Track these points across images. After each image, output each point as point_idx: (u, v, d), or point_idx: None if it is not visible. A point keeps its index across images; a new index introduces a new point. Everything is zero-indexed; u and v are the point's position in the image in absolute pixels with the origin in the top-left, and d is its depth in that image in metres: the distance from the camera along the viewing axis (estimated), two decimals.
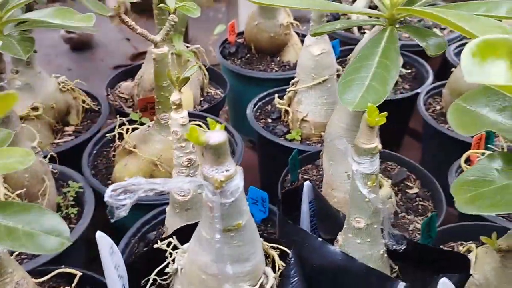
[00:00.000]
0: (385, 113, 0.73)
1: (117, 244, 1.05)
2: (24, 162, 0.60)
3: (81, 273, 0.92)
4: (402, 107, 1.70)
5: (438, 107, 1.60)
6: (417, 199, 1.24)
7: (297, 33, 1.92)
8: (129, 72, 1.76)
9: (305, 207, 0.86)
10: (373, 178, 0.74)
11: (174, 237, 0.75)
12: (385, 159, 1.34)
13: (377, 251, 0.80)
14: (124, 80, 1.74)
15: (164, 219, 1.02)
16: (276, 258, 0.73)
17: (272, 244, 0.75)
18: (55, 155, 1.24)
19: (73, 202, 1.19)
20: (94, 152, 1.37)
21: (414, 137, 1.87)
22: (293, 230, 0.79)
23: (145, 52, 1.77)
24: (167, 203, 0.97)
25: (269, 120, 1.55)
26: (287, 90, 1.49)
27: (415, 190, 1.27)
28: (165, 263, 0.73)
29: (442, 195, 1.21)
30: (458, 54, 1.85)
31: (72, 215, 1.16)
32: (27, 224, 0.60)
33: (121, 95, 1.66)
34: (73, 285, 0.92)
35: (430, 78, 1.72)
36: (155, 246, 0.74)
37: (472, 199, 0.70)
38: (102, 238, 0.69)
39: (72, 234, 1.11)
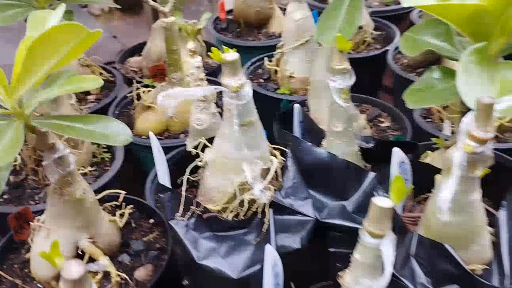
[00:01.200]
0: (351, 42, 0.99)
1: (147, 177, 1.31)
2: (95, 84, 0.85)
3: (125, 192, 1.18)
4: (375, 64, 1.96)
5: (405, 61, 1.87)
6: (388, 130, 1.51)
7: (280, 8, 2.18)
8: (133, 50, 2.00)
9: (296, 124, 1.12)
10: (345, 92, 1.00)
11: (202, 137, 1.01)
12: (361, 102, 1.61)
13: (352, 149, 1.06)
14: (131, 56, 1.99)
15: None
16: (278, 153, 0.99)
17: (274, 146, 1.01)
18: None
19: (106, 149, 1.44)
20: (117, 112, 1.62)
21: (387, 92, 2.13)
22: (288, 137, 1.05)
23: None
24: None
25: (261, 80, 1.80)
26: (275, 52, 1.75)
27: (387, 124, 1.53)
28: (197, 160, 0.98)
29: (409, 127, 1.47)
30: (421, 17, 2.12)
31: (106, 159, 1.42)
32: (102, 128, 0.85)
33: (131, 68, 1.90)
34: (120, 200, 1.17)
35: (397, 37, 1.98)
36: (188, 149, 1.00)
37: (418, 99, 0.97)
38: (153, 138, 0.95)
39: (108, 173, 1.37)
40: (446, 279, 0.84)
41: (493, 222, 0.89)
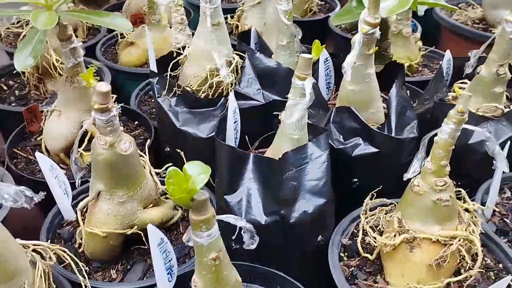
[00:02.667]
0: None
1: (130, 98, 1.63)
2: (126, 28, 1.16)
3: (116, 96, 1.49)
4: (319, 28, 2.35)
5: (343, 25, 2.27)
6: None
7: None
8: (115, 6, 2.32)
9: (252, 42, 1.47)
10: (288, 13, 1.36)
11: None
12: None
13: (294, 59, 1.42)
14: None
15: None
16: (237, 57, 1.34)
17: (235, 52, 1.36)
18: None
19: (95, 74, 1.75)
20: (102, 49, 1.92)
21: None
22: (246, 48, 1.40)
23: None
24: None
25: None
26: (237, 10, 2.10)
27: None
28: (179, 57, 1.32)
29: None
30: None
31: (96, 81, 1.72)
32: (110, 20, 1.17)
33: None
34: None
35: (338, 7, 2.38)
36: (171, 49, 1.34)
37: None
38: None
39: None
40: (352, 133, 1.21)
41: (386, 102, 1.27)
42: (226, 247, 0.83)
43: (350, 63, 1.11)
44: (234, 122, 1.15)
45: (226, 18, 2.18)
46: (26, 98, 1.66)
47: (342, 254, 1.09)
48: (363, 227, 1.07)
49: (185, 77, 1.31)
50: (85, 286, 0.95)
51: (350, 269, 1.06)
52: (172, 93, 1.27)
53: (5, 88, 1.71)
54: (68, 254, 0.95)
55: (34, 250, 0.94)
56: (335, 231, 1.12)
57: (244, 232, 0.84)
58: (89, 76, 0.97)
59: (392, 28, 1.74)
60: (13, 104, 1.62)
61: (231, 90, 1.26)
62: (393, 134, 1.20)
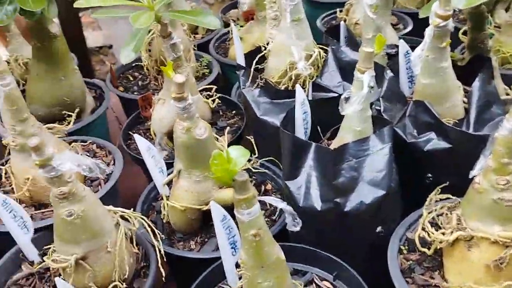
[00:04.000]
0: None
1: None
2: (215, 25, 1.30)
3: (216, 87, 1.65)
4: None
5: None
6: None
7: None
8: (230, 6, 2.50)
9: (342, 36, 1.50)
10: (374, 7, 1.37)
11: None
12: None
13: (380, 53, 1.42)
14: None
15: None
16: (318, 51, 1.39)
17: (319, 45, 1.41)
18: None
19: (206, 67, 1.93)
20: (216, 44, 2.11)
21: None
22: (331, 42, 1.44)
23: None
24: None
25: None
26: (345, 4, 2.12)
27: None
28: (263, 53, 1.42)
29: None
30: None
31: (206, 73, 1.91)
32: (202, 18, 1.31)
33: (231, 17, 2.39)
34: (212, 91, 1.64)
35: None
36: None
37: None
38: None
39: (206, 81, 1.85)
40: (426, 128, 1.18)
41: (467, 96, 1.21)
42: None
43: (418, 56, 1.09)
44: (304, 113, 1.21)
45: (335, 12, 2.23)
46: (147, 88, 1.91)
47: (402, 247, 1.09)
48: (423, 221, 1.06)
49: (268, 70, 1.40)
50: (159, 250, 1.10)
51: (408, 262, 1.06)
52: (255, 85, 1.38)
53: (131, 78, 1.98)
54: (146, 222, 1.11)
55: (121, 217, 1.12)
56: (401, 224, 1.12)
57: (286, 214, 0.91)
58: (169, 68, 1.11)
59: (506, 18, 1.62)
60: (135, 93, 1.88)
61: (309, 82, 1.32)
62: (470, 130, 1.15)
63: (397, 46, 1.43)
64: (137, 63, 2.03)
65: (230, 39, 2.08)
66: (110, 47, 3.10)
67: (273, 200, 0.89)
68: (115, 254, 1.05)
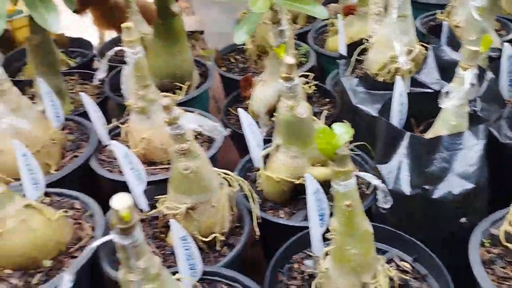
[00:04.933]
0: None
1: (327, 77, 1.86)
2: (323, 15, 1.41)
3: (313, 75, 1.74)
4: None
5: None
6: None
7: None
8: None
9: (443, 36, 1.55)
10: (480, 9, 1.40)
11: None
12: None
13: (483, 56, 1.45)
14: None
15: None
16: (419, 47, 1.44)
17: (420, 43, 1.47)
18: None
19: (303, 55, 2.04)
20: (315, 35, 2.21)
21: None
22: (432, 40, 1.49)
23: None
24: None
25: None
26: (446, 5, 2.13)
27: None
28: (364, 45, 1.50)
29: None
30: None
31: (303, 61, 2.01)
32: (311, 7, 1.41)
33: (330, 11, 2.46)
34: (309, 78, 1.74)
35: None
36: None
37: None
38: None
39: (303, 68, 1.95)
40: None
41: None
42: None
43: None
44: (400, 104, 1.28)
45: (434, 13, 2.24)
46: (247, 70, 2.05)
47: (484, 241, 1.13)
48: (510, 216, 1.09)
49: (368, 62, 1.48)
50: (256, 216, 1.23)
51: (490, 255, 1.11)
52: (354, 74, 1.46)
53: (233, 60, 2.13)
54: (247, 186, 1.24)
55: (224, 178, 1.26)
56: (486, 219, 1.16)
57: (378, 191, 1.00)
58: (281, 50, 1.23)
59: None
60: (235, 74, 2.02)
61: (408, 77, 1.38)
62: None
63: (499, 50, 1.45)
64: (238, 47, 2.18)
65: (328, 31, 2.17)
66: (201, 32, 3.28)
67: (369, 176, 0.98)
68: (218, 209, 1.18)
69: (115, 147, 1.30)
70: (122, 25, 1.34)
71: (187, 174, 1.13)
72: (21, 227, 1.12)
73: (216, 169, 1.22)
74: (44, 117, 1.53)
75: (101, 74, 1.43)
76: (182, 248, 1.07)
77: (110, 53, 1.41)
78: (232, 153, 1.91)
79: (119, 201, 0.73)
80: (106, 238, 0.77)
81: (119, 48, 1.39)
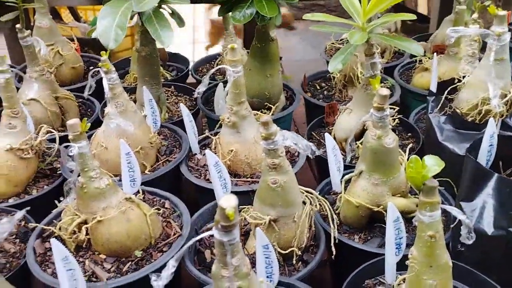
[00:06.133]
0: None
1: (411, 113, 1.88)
2: (419, 52, 1.46)
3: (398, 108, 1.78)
4: None
5: None
6: None
7: None
8: (421, 37, 2.60)
9: None
10: None
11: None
12: None
13: None
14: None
15: None
16: None
17: None
18: None
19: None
20: (400, 71, 2.24)
21: None
22: None
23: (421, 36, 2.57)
24: None
25: None
26: None
27: None
28: (458, 84, 1.52)
29: None
30: None
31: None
32: (408, 44, 1.46)
33: None
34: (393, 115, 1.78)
35: None
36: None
37: None
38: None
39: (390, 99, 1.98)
40: None
41: None
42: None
43: None
44: (489, 145, 1.29)
45: None
46: (331, 98, 2.11)
47: None
48: None
49: (458, 101, 1.50)
50: (334, 237, 1.27)
51: None
52: (443, 112, 1.48)
53: (318, 87, 2.21)
54: (328, 206, 1.29)
55: (306, 196, 1.32)
56: None
57: (462, 227, 1.02)
58: (376, 81, 1.28)
59: None
60: (320, 100, 2.09)
61: (499, 120, 1.39)
62: None
63: None
64: (323, 75, 2.26)
65: (416, 67, 2.20)
66: (280, 58, 3.37)
67: (455, 211, 1.00)
68: (299, 224, 1.24)
69: (208, 155, 1.41)
70: (229, 46, 1.46)
71: (274, 188, 1.21)
72: (120, 217, 1.24)
73: (301, 186, 1.29)
74: (145, 122, 1.67)
75: (202, 87, 1.55)
76: (263, 256, 1.14)
77: (213, 70, 1.54)
78: (307, 174, 1.97)
79: (227, 201, 0.81)
80: (208, 233, 0.85)
81: (222, 66, 1.51)
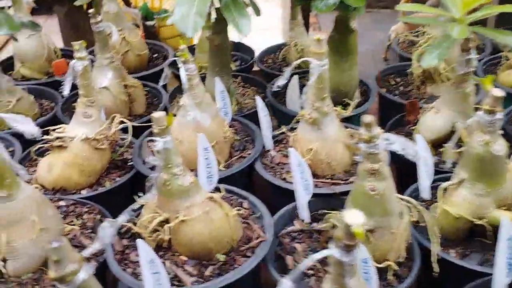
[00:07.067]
0: None
1: None
2: None
3: None
4: None
5: None
6: None
7: None
8: None
9: None
10: None
11: None
12: None
13: None
14: None
15: None
16: None
17: None
18: None
19: None
20: (485, 67, 2.08)
21: None
22: None
23: None
24: None
25: None
26: None
27: None
28: None
29: None
30: None
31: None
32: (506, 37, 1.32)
33: None
34: None
35: None
36: None
37: None
38: None
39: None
40: None
41: None
42: None
43: None
44: None
45: None
46: (407, 95, 1.98)
47: None
48: None
49: None
50: (436, 251, 1.15)
51: None
52: None
53: (393, 82, 2.07)
54: (430, 218, 1.17)
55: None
56: None
57: None
58: (488, 81, 1.15)
59: None
60: (396, 97, 1.96)
61: None
62: None
63: None
64: (398, 70, 2.12)
65: (502, 63, 2.03)
66: None
67: None
68: (397, 236, 1.14)
69: (292, 154, 1.31)
70: (314, 37, 1.35)
71: (372, 195, 1.10)
72: (203, 218, 1.16)
73: (399, 195, 1.18)
74: (219, 115, 1.59)
75: (282, 81, 1.45)
76: (362, 271, 1.04)
77: (295, 63, 1.44)
78: None
79: (353, 217, 0.72)
80: (326, 252, 0.76)
81: (306, 58, 1.40)
